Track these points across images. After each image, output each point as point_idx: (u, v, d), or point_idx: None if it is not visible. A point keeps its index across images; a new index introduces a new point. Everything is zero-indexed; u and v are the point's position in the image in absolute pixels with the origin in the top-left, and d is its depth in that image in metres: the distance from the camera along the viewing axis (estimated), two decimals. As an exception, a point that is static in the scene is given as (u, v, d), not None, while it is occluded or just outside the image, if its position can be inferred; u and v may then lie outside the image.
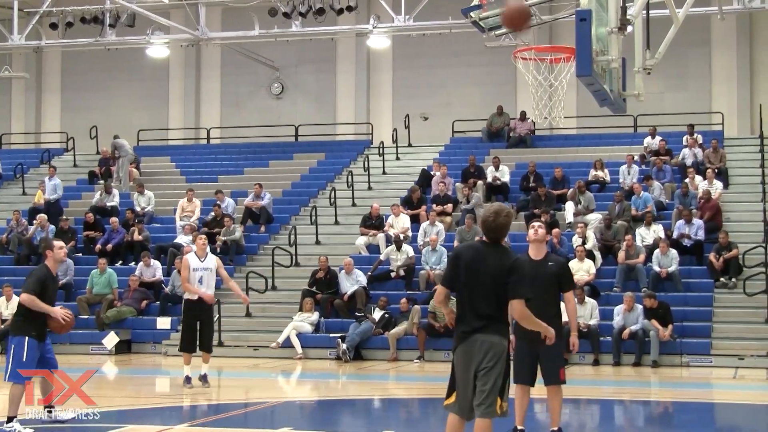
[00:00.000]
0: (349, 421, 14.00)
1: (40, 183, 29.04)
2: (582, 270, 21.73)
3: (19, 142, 36.96)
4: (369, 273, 22.91)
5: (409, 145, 31.63)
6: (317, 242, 25.75)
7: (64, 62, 36.80)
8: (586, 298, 20.59)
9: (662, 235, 22.79)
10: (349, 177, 28.46)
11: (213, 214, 25.79)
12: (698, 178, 25.61)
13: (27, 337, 10.94)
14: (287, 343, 21.23)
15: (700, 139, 27.94)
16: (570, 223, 24.32)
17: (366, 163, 29.55)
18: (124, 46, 32.21)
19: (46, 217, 26.54)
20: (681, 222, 23.21)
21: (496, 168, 27.16)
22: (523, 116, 29.88)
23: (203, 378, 15.59)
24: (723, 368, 19.48)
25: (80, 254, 25.78)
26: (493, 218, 8.00)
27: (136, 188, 28.46)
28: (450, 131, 32.10)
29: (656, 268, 21.89)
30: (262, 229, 26.45)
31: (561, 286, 10.05)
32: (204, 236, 16.67)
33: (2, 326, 22.26)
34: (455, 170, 27.57)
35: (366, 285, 22.34)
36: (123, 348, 22.38)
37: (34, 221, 26.61)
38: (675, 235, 23.07)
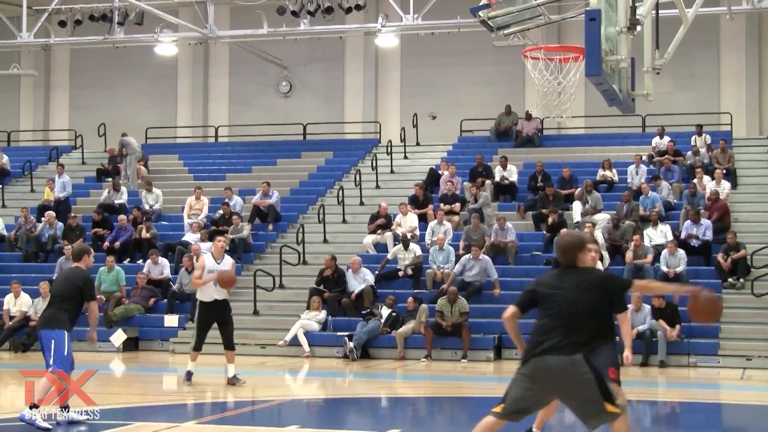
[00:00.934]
0: (355, 419, 14.01)
1: (48, 180, 29.07)
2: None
3: (27, 140, 37.02)
4: (376, 272, 22.92)
5: (417, 144, 31.62)
6: (325, 241, 25.76)
7: (72, 60, 36.85)
8: (594, 298, 20.52)
9: (669, 235, 22.75)
10: (357, 175, 28.47)
11: (221, 212, 25.81)
12: (706, 178, 25.58)
13: (66, 332, 11.23)
14: (294, 342, 21.25)
15: (708, 139, 27.91)
16: (577, 222, 24.29)
17: (374, 161, 29.54)
18: (132, 44, 32.22)
19: (54, 214, 26.58)
20: (689, 222, 23.18)
21: (504, 167, 27.15)
22: (529, 116, 29.85)
23: (234, 379, 15.55)
24: (730, 369, 19.47)
25: (88, 252, 25.77)
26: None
27: (144, 186, 28.49)
28: (458, 130, 32.09)
29: (664, 269, 21.86)
30: (270, 227, 26.47)
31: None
32: (223, 238, 16.68)
33: (10, 323, 22.33)
34: (463, 169, 27.56)
35: (374, 284, 22.35)
36: (130, 345, 22.41)
37: (43, 218, 26.65)
38: (683, 235, 23.04)
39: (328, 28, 30.20)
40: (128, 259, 25.32)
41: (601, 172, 26.88)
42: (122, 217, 26.15)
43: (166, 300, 23.29)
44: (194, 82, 35.92)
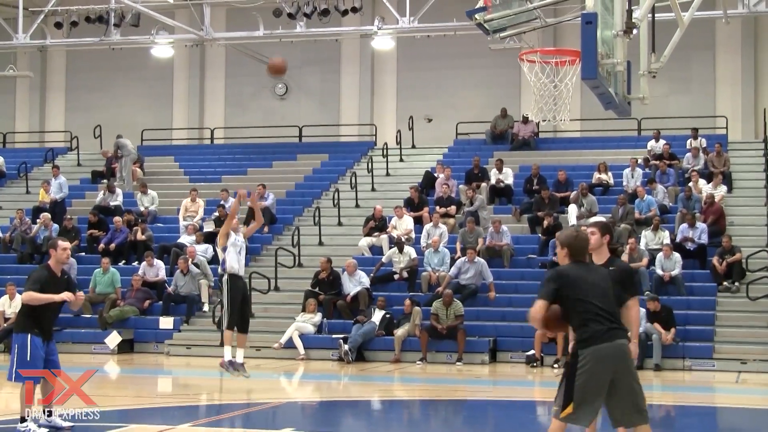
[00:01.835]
0: (351, 422, 14.00)
1: (43, 182, 29.03)
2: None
3: (23, 141, 36.98)
4: (371, 275, 22.91)
5: (413, 147, 31.62)
6: (320, 243, 25.76)
7: (68, 61, 36.82)
8: (589, 301, 20.54)
9: (668, 241, 22.75)
10: (353, 178, 28.46)
11: (217, 213, 25.80)
12: (702, 181, 25.60)
13: (30, 335, 10.80)
14: (290, 344, 21.24)
15: (703, 142, 27.94)
16: (573, 226, 24.29)
17: (370, 164, 29.55)
18: (128, 45, 32.20)
19: (49, 216, 26.55)
20: (684, 226, 23.20)
21: (500, 170, 27.16)
22: (525, 119, 29.86)
23: (242, 366, 15.27)
24: (725, 372, 19.48)
25: (83, 253, 25.79)
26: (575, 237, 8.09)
27: (139, 188, 28.46)
28: (454, 133, 32.09)
29: (659, 272, 21.88)
30: (266, 229, 26.45)
31: (623, 291, 9.41)
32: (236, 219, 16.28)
33: (5, 325, 22.32)
34: (459, 172, 27.58)
35: (369, 286, 22.34)
36: (125, 347, 22.39)
37: (38, 220, 26.63)
38: (678, 238, 23.06)
39: (324, 31, 30.21)
40: (123, 261, 25.30)
41: (596, 175, 26.90)
42: (117, 218, 26.13)
43: (161, 302, 23.26)
44: (190, 84, 35.90)
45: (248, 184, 28.65)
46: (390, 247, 23.85)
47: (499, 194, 26.95)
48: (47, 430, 10.85)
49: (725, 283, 22.10)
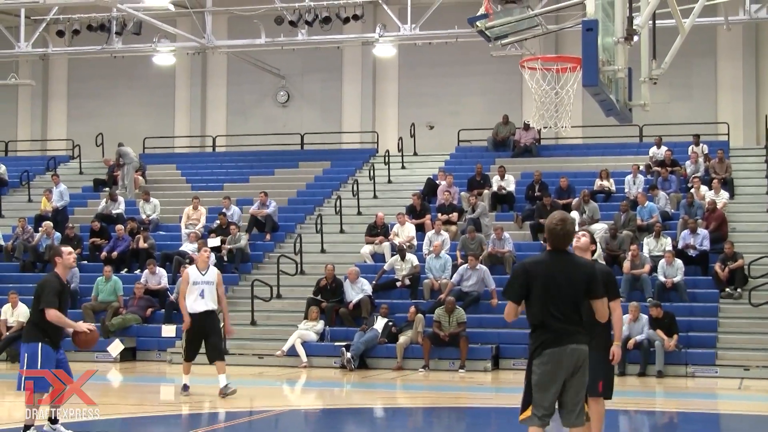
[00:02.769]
0: (353, 430, 14.00)
1: (45, 190, 29.04)
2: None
3: (25, 150, 37.02)
4: (374, 282, 22.90)
5: (415, 154, 31.63)
6: (322, 251, 25.75)
7: (70, 70, 36.87)
8: (591, 308, 20.55)
9: (670, 247, 22.74)
10: (355, 185, 28.47)
11: (218, 222, 25.82)
12: (704, 188, 25.59)
13: (40, 344, 10.80)
14: (292, 352, 21.22)
15: (705, 149, 27.94)
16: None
17: (371, 171, 29.55)
18: (130, 53, 32.24)
19: (51, 224, 26.55)
20: (686, 232, 23.19)
21: (502, 177, 27.16)
22: (527, 126, 29.87)
23: (225, 389, 15.41)
24: (728, 379, 19.45)
25: (85, 261, 25.79)
26: (561, 226, 8.01)
27: (141, 196, 28.47)
28: (455, 140, 32.10)
29: (661, 278, 21.87)
30: (268, 237, 26.46)
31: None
32: (208, 249, 16.68)
33: (7, 333, 22.31)
34: (461, 179, 27.58)
35: (371, 294, 22.34)
36: (128, 355, 22.37)
37: (40, 228, 26.63)
38: (680, 245, 23.05)
39: (326, 38, 30.22)
40: (126, 269, 25.30)
41: (598, 181, 26.90)
42: (120, 227, 26.13)
43: (163, 310, 23.27)
44: (192, 91, 35.93)
45: (250, 192, 28.77)
46: (392, 255, 23.84)
47: (501, 201, 26.95)
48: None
49: (727, 289, 22.08)
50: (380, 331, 21.14)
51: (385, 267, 23.49)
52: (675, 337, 19.91)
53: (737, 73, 31.65)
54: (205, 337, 15.50)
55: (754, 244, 23.85)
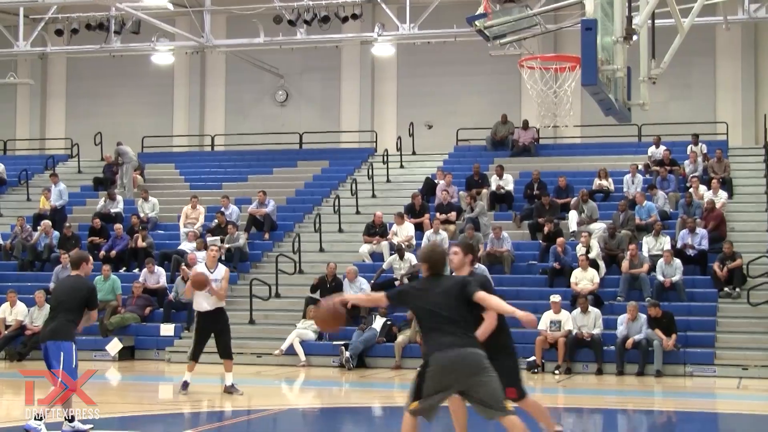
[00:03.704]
0: (351, 429, 14.00)
1: (44, 189, 29.03)
2: (585, 279, 21.74)
3: (23, 148, 37.00)
4: (372, 281, 22.90)
5: (413, 153, 31.63)
6: (321, 250, 25.75)
7: (69, 69, 36.84)
8: (590, 308, 20.60)
9: (668, 247, 22.73)
10: (353, 185, 28.47)
11: (217, 221, 25.82)
12: (702, 187, 25.59)
13: (73, 343, 11.18)
14: (290, 351, 21.22)
15: (704, 148, 27.93)
16: (574, 232, 24.31)
17: (370, 170, 29.56)
18: (129, 52, 32.26)
19: (50, 223, 26.53)
20: (685, 231, 23.19)
21: (500, 177, 27.16)
22: (526, 125, 29.86)
23: (231, 388, 15.50)
24: (727, 378, 19.45)
25: (84, 260, 25.73)
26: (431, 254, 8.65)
27: (140, 195, 28.47)
28: (454, 139, 32.09)
29: (660, 278, 21.87)
30: (266, 236, 26.46)
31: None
32: (216, 247, 16.69)
33: (5, 332, 22.29)
34: (459, 179, 27.58)
35: (370, 293, 22.31)
36: (126, 354, 22.37)
37: (39, 227, 26.62)
38: (679, 244, 23.05)
39: (325, 38, 30.24)
40: (124, 268, 25.29)
41: (597, 181, 26.91)
42: (118, 226, 26.13)
43: (162, 309, 23.26)
44: (191, 90, 35.91)
45: (249, 191, 28.76)
46: (391, 254, 23.84)
47: (500, 200, 26.94)
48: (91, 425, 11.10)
49: (726, 289, 22.08)
50: (379, 330, 21.15)
51: (384, 266, 23.49)
52: (673, 336, 19.91)
53: (736, 72, 31.65)
54: (216, 336, 15.51)
55: (752, 244, 23.85)
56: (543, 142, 31.03)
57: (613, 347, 20.12)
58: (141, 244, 25.42)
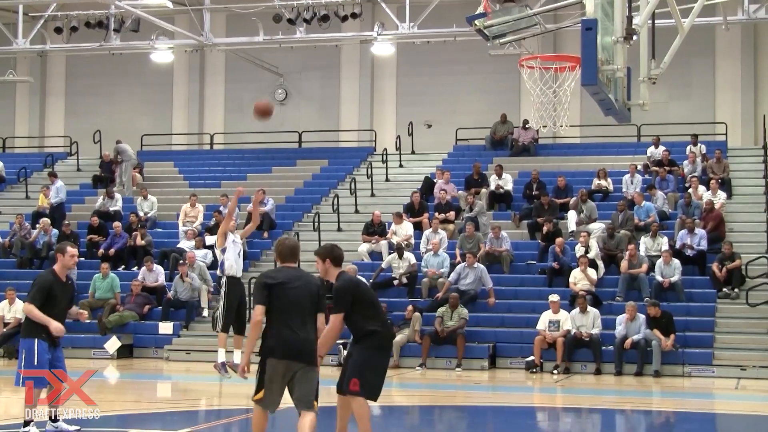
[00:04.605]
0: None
1: (43, 187, 29.02)
2: (584, 279, 21.75)
3: (22, 146, 36.98)
4: (371, 280, 22.90)
5: (413, 153, 31.62)
6: (320, 248, 25.69)
7: (68, 66, 36.83)
8: (588, 308, 20.61)
9: (667, 247, 22.73)
10: (353, 184, 28.46)
11: (215, 219, 25.82)
12: (701, 188, 25.60)
13: (37, 339, 10.77)
14: (289, 349, 21.17)
15: (703, 149, 27.93)
16: (572, 232, 24.32)
17: (369, 170, 29.56)
18: (128, 51, 32.25)
19: (49, 221, 26.53)
20: (684, 232, 23.20)
21: (499, 176, 27.16)
22: (525, 125, 29.86)
23: (238, 366, 15.25)
24: (725, 378, 19.48)
25: (83, 258, 25.73)
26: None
27: (139, 193, 28.47)
28: (453, 139, 32.09)
29: (659, 278, 21.88)
30: (265, 235, 26.45)
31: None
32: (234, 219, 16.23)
33: (5, 330, 22.30)
34: (458, 178, 27.57)
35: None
36: (125, 352, 22.38)
37: (37, 225, 26.61)
38: (678, 245, 23.05)
39: (324, 36, 30.24)
40: (123, 266, 25.30)
41: (596, 181, 26.91)
42: (117, 224, 26.13)
43: (160, 307, 23.25)
44: (190, 89, 35.90)
45: (248, 190, 28.69)
46: (389, 253, 23.84)
47: (499, 200, 26.94)
48: None
49: (725, 289, 22.09)
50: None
51: (383, 265, 23.50)
52: (672, 336, 19.92)
53: (735, 73, 31.66)
54: (241, 305, 15.07)
55: (751, 244, 23.86)
56: (542, 141, 31.03)
57: (611, 347, 20.14)
58: (140, 242, 25.43)
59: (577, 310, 20.65)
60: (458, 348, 20.55)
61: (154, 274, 23.94)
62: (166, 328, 22.70)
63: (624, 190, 26.15)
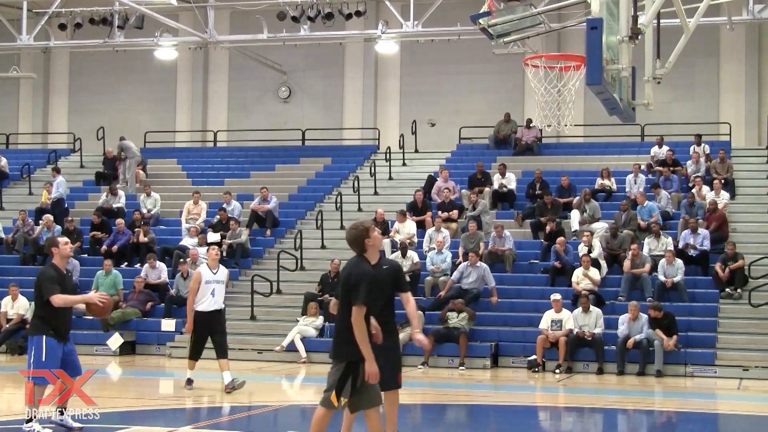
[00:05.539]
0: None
1: (46, 183, 29.04)
2: (587, 279, 21.74)
3: (26, 143, 37.02)
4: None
5: (416, 151, 31.62)
6: (323, 246, 25.75)
7: (72, 63, 36.87)
8: (591, 307, 20.59)
9: (670, 247, 22.72)
10: (356, 182, 28.46)
11: (219, 217, 25.82)
12: (705, 188, 25.58)
13: (45, 336, 10.84)
14: (291, 347, 21.23)
15: (707, 149, 27.92)
16: (576, 231, 24.31)
17: (372, 168, 29.55)
18: (132, 47, 32.26)
19: (51, 217, 26.55)
20: (687, 232, 23.18)
21: (503, 175, 27.15)
22: (528, 124, 29.85)
23: (231, 383, 15.45)
24: (727, 379, 19.44)
25: (86, 255, 25.79)
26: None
27: (142, 190, 28.49)
28: (457, 137, 32.10)
29: (662, 278, 21.85)
30: (268, 232, 26.47)
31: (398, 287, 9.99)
32: (217, 247, 16.71)
33: (7, 325, 22.31)
34: (462, 177, 27.57)
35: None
36: (127, 349, 22.39)
37: (41, 221, 26.63)
38: (681, 245, 23.03)
39: (328, 34, 30.25)
40: (126, 263, 25.30)
41: (599, 180, 26.90)
42: (120, 220, 26.14)
43: (163, 304, 23.26)
44: (194, 86, 35.93)
45: (251, 187, 28.75)
46: (393, 252, 23.82)
47: (502, 199, 26.94)
48: (51, 430, 10.85)
49: (728, 289, 22.07)
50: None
51: (385, 264, 23.44)
52: (674, 336, 19.90)
53: (740, 73, 31.66)
54: (211, 335, 15.58)
55: (754, 245, 23.83)
56: (546, 141, 31.03)
57: (614, 347, 20.12)
58: (143, 239, 25.43)
59: (579, 309, 20.64)
60: (461, 347, 20.54)
61: (157, 271, 23.95)
62: (168, 325, 22.69)
63: (627, 189, 26.14)
